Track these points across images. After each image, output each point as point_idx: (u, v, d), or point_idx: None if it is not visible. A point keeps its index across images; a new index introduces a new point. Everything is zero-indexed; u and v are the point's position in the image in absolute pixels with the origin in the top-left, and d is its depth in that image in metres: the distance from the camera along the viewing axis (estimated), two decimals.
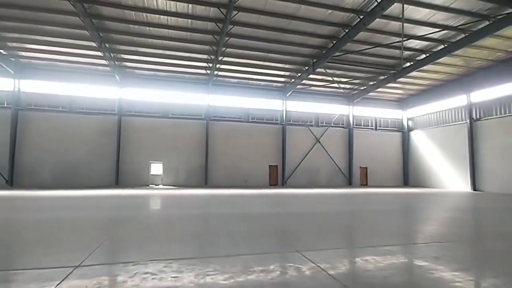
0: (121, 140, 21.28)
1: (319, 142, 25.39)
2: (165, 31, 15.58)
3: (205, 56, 18.54)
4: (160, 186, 21.40)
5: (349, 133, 26.12)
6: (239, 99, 24.23)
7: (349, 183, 25.62)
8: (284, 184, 24.03)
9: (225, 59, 18.80)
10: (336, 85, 22.69)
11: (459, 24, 14.54)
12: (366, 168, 26.43)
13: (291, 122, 25.15)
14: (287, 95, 24.21)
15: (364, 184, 26.29)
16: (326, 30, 15.57)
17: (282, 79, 22.48)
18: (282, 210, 9.27)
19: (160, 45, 17.04)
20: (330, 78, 21.49)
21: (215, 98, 23.67)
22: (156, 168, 22.11)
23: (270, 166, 24.16)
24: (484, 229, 7.17)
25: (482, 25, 14.46)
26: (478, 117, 21.04)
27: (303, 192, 17.08)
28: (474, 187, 20.78)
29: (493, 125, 20.00)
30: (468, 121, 21.47)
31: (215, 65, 19.07)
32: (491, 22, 13.95)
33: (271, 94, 24.56)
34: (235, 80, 22.76)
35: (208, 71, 20.79)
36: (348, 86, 23.89)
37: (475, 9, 13.49)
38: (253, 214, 8.26)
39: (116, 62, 19.24)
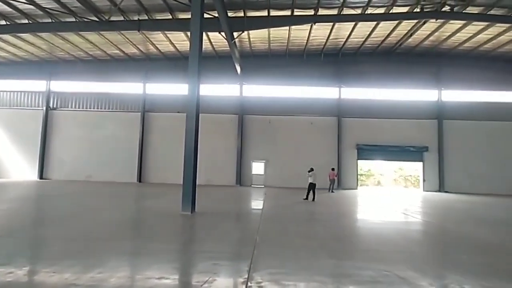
0: None
1: None
2: None
3: None
4: None
5: None
6: None
7: None
8: None
9: None
10: None
11: (47, 6, 14.76)
12: None
13: None
14: None
15: None
16: None
17: None
18: None
19: None
20: None
21: None
22: None
23: None
24: (34, 217, 7.96)
25: (95, 18, 15.14)
26: (55, 106, 22.60)
27: None
28: (42, 176, 21.81)
29: (68, 116, 22.49)
30: (44, 108, 22.32)
31: None
32: (104, 20, 14.89)
33: None
34: None
35: None
36: None
37: None
38: None
39: None
